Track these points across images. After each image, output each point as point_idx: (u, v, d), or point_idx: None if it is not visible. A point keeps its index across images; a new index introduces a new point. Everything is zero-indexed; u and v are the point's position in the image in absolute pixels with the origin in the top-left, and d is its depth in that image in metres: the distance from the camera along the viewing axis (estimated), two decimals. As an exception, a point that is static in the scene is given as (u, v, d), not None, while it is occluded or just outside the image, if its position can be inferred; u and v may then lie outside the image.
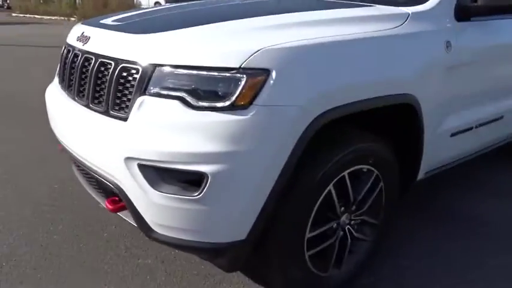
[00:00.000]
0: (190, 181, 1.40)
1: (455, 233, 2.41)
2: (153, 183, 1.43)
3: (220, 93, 1.36)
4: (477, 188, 2.95)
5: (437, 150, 2.15)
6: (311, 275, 1.73)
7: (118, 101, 1.54)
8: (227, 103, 1.35)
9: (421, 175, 2.17)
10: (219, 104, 1.36)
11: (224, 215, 1.44)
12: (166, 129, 1.41)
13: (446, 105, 2.05)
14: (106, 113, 1.57)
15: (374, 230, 1.98)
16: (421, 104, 1.85)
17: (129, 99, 1.49)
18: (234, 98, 1.35)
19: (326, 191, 1.62)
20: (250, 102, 1.36)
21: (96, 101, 1.63)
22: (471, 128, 2.29)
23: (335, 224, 1.77)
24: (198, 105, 1.38)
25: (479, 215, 2.60)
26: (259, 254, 1.64)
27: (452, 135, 2.20)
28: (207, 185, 1.37)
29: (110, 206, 1.69)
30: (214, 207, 1.41)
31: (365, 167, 1.75)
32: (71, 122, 1.77)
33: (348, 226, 1.85)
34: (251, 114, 1.35)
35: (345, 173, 1.67)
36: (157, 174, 1.43)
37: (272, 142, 1.39)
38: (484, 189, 2.94)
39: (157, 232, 1.51)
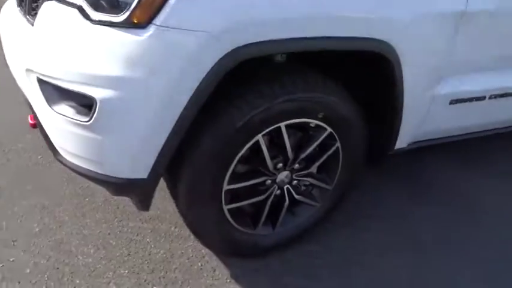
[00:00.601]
0: (83, 105, 1.25)
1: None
2: (49, 101, 1.30)
3: (116, 3, 1.16)
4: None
5: (427, 118, 1.80)
6: (232, 230, 1.58)
7: (33, 5, 1.40)
8: (122, 18, 1.14)
9: (401, 144, 1.85)
10: (115, 19, 1.16)
11: (118, 147, 1.28)
12: (62, 42, 1.24)
13: (446, 65, 1.66)
14: (28, 20, 1.45)
15: (324, 196, 1.75)
16: (401, 57, 1.50)
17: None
18: (130, 11, 1.13)
19: (252, 141, 1.40)
20: (149, 21, 1.14)
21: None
22: (480, 98, 1.88)
23: (269, 181, 1.57)
24: (94, 17, 1.18)
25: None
26: (175, 200, 1.51)
27: (452, 102, 1.82)
28: (96, 111, 1.21)
29: (31, 121, 1.62)
30: (106, 138, 1.25)
31: (312, 121, 1.48)
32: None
33: (288, 186, 1.64)
34: (148, 34, 1.13)
35: (281, 124, 1.42)
36: (53, 92, 1.29)
37: (171, 72, 1.16)
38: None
39: (62, 156, 1.42)
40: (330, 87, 1.46)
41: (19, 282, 1.52)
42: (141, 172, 1.33)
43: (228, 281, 1.60)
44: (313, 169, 1.63)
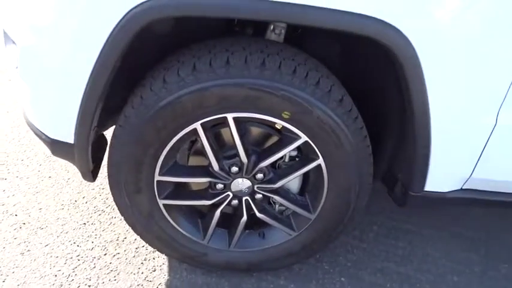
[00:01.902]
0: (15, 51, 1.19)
1: None
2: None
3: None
4: None
5: (485, 156, 1.20)
6: (172, 230, 1.31)
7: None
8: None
9: (437, 187, 1.28)
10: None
11: (40, 102, 1.17)
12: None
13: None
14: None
15: (303, 225, 1.33)
16: (422, 55, 0.99)
17: None
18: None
19: (187, 129, 1.12)
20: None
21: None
22: None
23: (221, 185, 1.25)
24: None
25: None
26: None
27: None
28: (18, 57, 1.13)
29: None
30: (30, 90, 1.16)
31: (276, 121, 1.12)
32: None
33: (247, 198, 1.29)
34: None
35: (228, 116, 1.10)
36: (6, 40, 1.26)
37: (74, 25, 0.99)
38: None
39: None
40: (303, 79, 1.07)
41: None
42: (67, 136, 1.20)
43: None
44: (280, 185, 1.25)
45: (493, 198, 1.33)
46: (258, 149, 1.22)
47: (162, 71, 1.09)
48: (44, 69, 1.10)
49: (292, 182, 1.31)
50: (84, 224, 1.56)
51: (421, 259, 1.64)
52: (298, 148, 1.23)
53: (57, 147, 1.25)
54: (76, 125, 1.16)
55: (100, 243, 1.49)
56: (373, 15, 0.95)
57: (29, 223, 1.53)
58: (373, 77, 1.27)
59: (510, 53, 1.03)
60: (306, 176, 1.31)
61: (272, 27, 1.20)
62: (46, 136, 1.24)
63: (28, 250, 1.43)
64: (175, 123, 1.11)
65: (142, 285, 1.36)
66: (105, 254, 1.45)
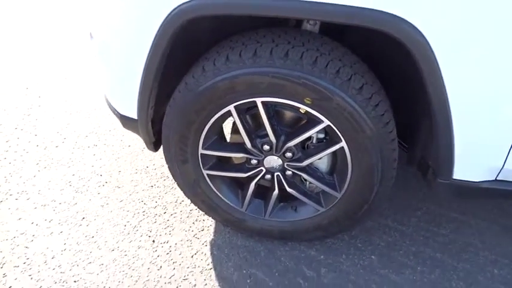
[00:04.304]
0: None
1: None
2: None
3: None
4: None
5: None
6: (215, 197, 1.52)
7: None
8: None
9: (467, 176, 1.28)
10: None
11: (112, 84, 1.44)
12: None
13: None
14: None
15: (331, 203, 1.42)
16: (438, 52, 1.01)
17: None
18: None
19: (223, 111, 1.28)
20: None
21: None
22: None
23: (255, 161, 1.41)
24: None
25: None
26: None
27: None
28: (97, 49, 1.40)
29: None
30: (105, 74, 1.43)
31: (300, 106, 1.22)
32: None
33: (279, 174, 1.42)
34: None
35: (257, 100, 1.24)
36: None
37: (130, 23, 1.21)
38: None
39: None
40: (323, 68, 1.15)
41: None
42: (131, 112, 1.46)
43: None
44: (307, 164, 1.36)
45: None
46: (286, 130, 1.35)
47: (203, 61, 1.27)
48: (113, 57, 1.35)
49: (321, 162, 1.42)
50: (152, 186, 1.86)
51: (461, 248, 1.63)
52: (325, 131, 1.33)
53: (125, 121, 1.52)
54: (137, 103, 1.41)
55: (162, 203, 1.77)
56: (389, 11, 1.00)
57: (110, 182, 1.87)
58: (399, 70, 1.30)
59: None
60: (334, 157, 1.41)
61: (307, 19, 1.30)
62: (117, 112, 1.52)
63: (107, 203, 1.76)
64: (213, 105, 1.29)
65: (190, 240, 1.61)
66: (164, 213, 1.73)
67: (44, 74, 2.72)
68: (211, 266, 1.52)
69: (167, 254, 1.56)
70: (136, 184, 1.88)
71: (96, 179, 1.90)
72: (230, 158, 1.53)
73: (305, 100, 1.21)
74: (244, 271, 1.51)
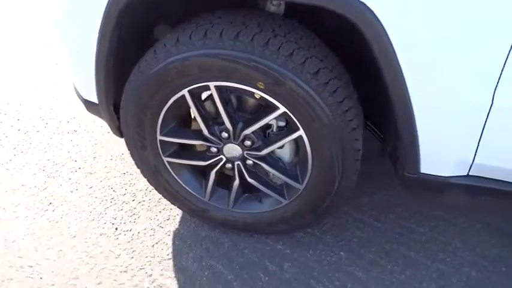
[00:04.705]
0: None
1: None
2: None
3: None
4: None
5: (486, 140, 1.06)
6: (176, 185, 1.47)
7: None
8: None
9: (435, 171, 1.19)
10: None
11: (74, 70, 1.42)
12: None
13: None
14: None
15: (293, 195, 1.35)
16: (390, 30, 0.92)
17: None
18: None
19: (178, 95, 1.23)
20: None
21: None
22: None
23: (215, 149, 1.35)
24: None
25: None
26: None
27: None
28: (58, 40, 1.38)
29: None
30: (68, 61, 1.40)
31: (254, 91, 1.15)
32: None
33: (239, 163, 1.36)
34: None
35: (210, 84, 1.18)
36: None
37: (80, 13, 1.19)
38: None
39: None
40: (275, 51, 1.08)
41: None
42: (93, 96, 1.43)
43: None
44: (267, 153, 1.29)
45: (505, 188, 1.18)
46: (244, 117, 1.28)
47: (155, 43, 1.22)
48: (69, 41, 1.32)
49: (284, 152, 1.35)
50: (124, 173, 1.82)
51: (439, 247, 1.53)
52: (286, 119, 1.26)
53: (88, 105, 1.49)
54: (95, 87, 1.37)
55: (132, 190, 1.74)
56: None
57: (83, 168, 1.85)
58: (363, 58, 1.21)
59: (504, 24, 0.90)
60: (297, 147, 1.34)
61: (271, -1, 1.23)
62: (81, 96, 1.49)
63: (76, 189, 1.74)
64: (166, 89, 1.23)
65: (154, 229, 1.57)
66: (133, 200, 1.69)
67: (34, 60, 2.73)
68: (170, 256, 1.48)
69: (128, 242, 1.52)
70: (109, 171, 1.85)
71: (70, 165, 1.87)
72: (193, 145, 1.48)
73: (258, 85, 1.14)
74: (204, 263, 1.46)
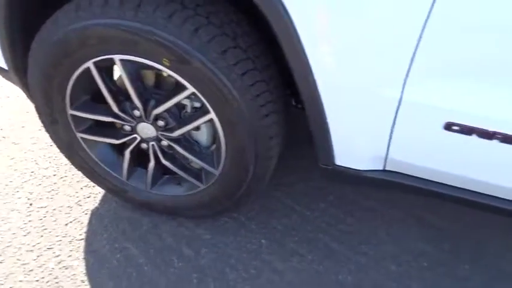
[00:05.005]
0: None
1: None
2: None
3: None
4: None
5: (397, 135, 1.01)
6: (92, 162, 1.39)
7: None
8: None
9: (351, 163, 1.14)
10: None
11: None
12: None
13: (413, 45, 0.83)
14: None
15: (210, 180, 1.30)
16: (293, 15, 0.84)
17: None
18: None
19: (83, 67, 1.13)
20: None
21: None
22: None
23: (128, 127, 1.27)
24: None
25: None
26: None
27: (449, 127, 0.94)
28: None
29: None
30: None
31: (160, 67, 1.06)
32: None
33: (154, 143, 1.28)
34: None
35: (115, 57, 1.08)
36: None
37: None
38: None
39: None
40: (178, 25, 0.99)
41: None
42: (3, 63, 1.32)
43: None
44: (180, 135, 1.22)
45: (421, 186, 1.14)
46: (157, 96, 1.20)
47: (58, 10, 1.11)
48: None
49: (201, 135, 1.28)
50: (51, 145, 1.73)
51: (364, 239, 1.50)
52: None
53: (1, 71, 1.38)
54: (2, 53, 1.26)
55: (56, 164, 1.65)
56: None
57: (8, 137, 1.75)
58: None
59: (412, 10, 0.83)
60: (215, 131, 1.27)
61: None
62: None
63: (-4, 160, 1.65)
64: (69, 60, 1.13)
65: (71, 207, 1.50)
66: (54, 175, 1.61)
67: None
68: (83, 236, 1.41)
69: (40, 220, 1.45)
70: (35, 142, 1.75)
71: (-6, 133, 1.78)
72: (113, 122, 1.39)
73: (163, 61, 1.05)
74: (117, 245, 1.40)
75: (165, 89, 1.22)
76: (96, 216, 1.48)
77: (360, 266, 1.41)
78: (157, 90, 1.22)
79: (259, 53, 1.10)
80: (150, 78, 1.23)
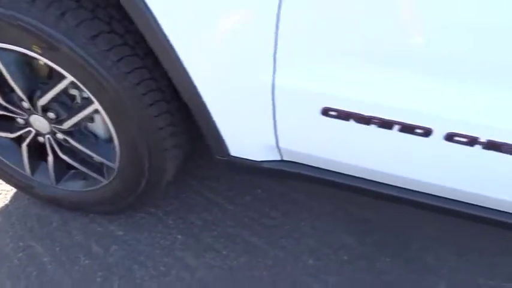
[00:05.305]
0: None
1: None
2: None
3: None
4: None
5: (282, 121, 0.96)
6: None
7: None
8: None
9: (245, 154, 1.08)
10: None
11: None
12: None
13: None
14: None
15: (111, 174, 1.24)
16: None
17: None
18: None
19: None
20: None
21: None
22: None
23: (21, 120, 1.20)
24: None
25: None
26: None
27: (326, 112, 0.89)
28: None
29: None
30: None
31: (33, 55, 1.00)
32: None
33: (49, 137, 1.22)
34: None
35: (-12, 45, 1.02)
36: None
37: None
38: None
39: None
40: (43, 9, 0.92)
41: None
42: None
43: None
44: (70, 127, 1.16)
45: (317, 176, 1.08)
46: (42, 86, 1.13)
47: None
48: None
49: (96, 126, 1.22)
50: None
51: (286, 233, 1.45)
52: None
53: None
54: None
55: (-30, 161, 1.59)
56: None
57: None
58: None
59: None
60: (112, 122, 1.21)
61: None
62: None
63: None
64: None
65: (-22, 204, 1.44)
66: (-33, 172, 1.55)
67: None
68: (-14, 235, 1.36)
69: None
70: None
71: None
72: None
73: (34, 48, 0.99)
74: (22, 243, 1.34)
75: (49, 78, 1.16)
76: (4, 213, 1.42)
77: (277, 260, 1.36)
78: (46, 80, 1.15)
79: (140, 39, 1.04)
80: (35, 68, 1.16)
